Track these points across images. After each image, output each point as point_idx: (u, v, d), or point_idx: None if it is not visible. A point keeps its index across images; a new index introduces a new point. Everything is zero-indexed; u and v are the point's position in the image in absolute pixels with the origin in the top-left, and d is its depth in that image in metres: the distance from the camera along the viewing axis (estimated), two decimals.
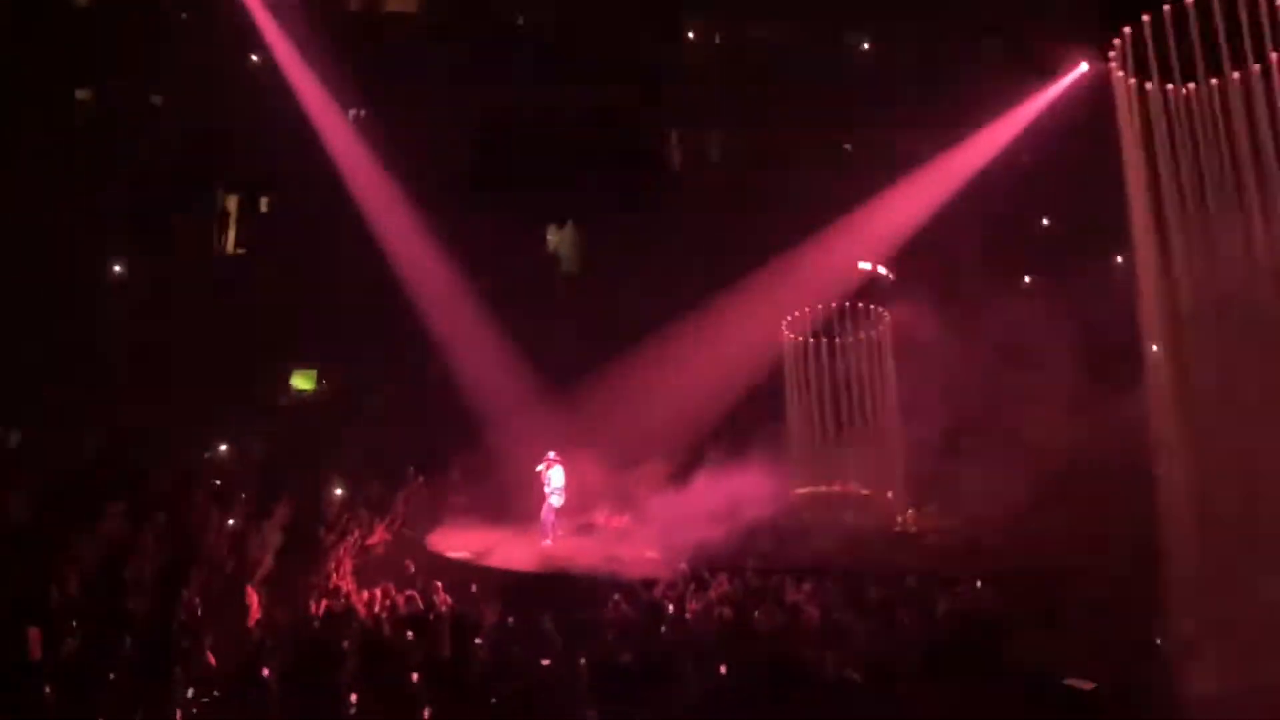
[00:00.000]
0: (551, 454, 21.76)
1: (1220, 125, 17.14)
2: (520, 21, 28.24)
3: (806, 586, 17.95)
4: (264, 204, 27.52)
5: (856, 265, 24.06)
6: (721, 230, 27.21)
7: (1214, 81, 16.78)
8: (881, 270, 24.07)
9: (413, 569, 18.65)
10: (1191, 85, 17.03)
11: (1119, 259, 24.27)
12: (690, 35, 28.86)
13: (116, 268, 23.97)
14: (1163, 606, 15.54)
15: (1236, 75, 16.44)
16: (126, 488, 18.48)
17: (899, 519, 23.19)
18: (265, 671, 12.94)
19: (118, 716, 12.14)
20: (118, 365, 23.04)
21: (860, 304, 25.00)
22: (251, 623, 15.48)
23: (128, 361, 23.22)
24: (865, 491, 23.88)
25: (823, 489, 23.85)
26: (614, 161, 25.00)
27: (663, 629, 16.02)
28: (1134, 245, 19.07)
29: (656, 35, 27.98)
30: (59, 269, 23.02)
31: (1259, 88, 16.59)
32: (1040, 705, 13.35)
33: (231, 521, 18.76)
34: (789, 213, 25.68)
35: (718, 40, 28.92)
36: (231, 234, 27.07)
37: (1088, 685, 13.84)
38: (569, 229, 29.16)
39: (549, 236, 29.35)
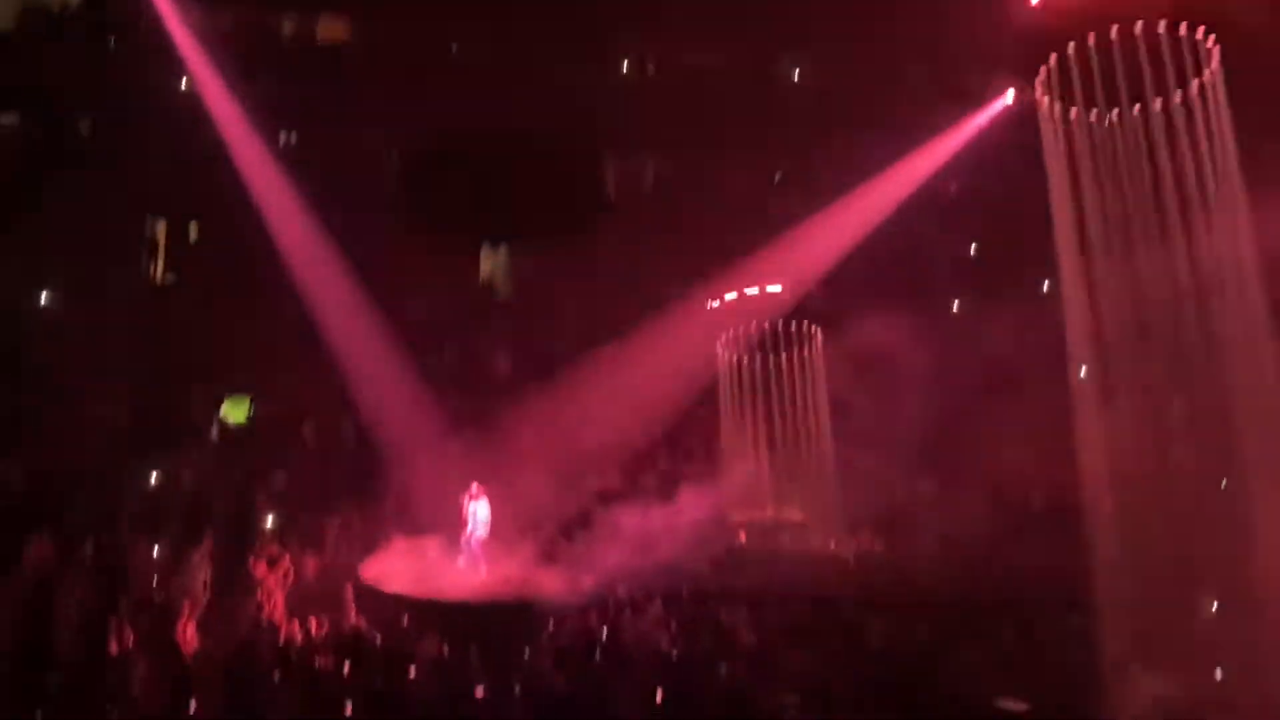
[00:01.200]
0: (475, 486, 21.41)
1: (1144, 151, 17.49)
2: (454, 49, 28.20)
3: (742, 612, 17.96)
4: (193, 231, 27.10)
5: (788, 288, 24.15)
6: (654, 254, 27.27)
7: (1137, 109, 17.14)
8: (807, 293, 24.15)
9: (346, 600, 18.44)
10: (1116, 112, 17.37)
11: (1045, 285, 24.57)
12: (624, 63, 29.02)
13: (43, 297, 23.47)
14: (1095, 628, 15.74)
15: (1159, 102, 16.81)
16: (50, 519, 18.06)
17: (833, 544, 23.25)
18: (194, 706, 12.75)
19: None
20: (42, 394, 22.52)
21: (794, 325, 25.15)
22: (185, 658, 15.22)
23: (53, 390, 22.73)
24: (800, 517, 23.92)
25: (758, 515, 23.85)
26: (547, 186, 24.95)
27: (598, 657, 15.95)
28: (1060, 271, 19.37)
29: (590, 62, 28.06)
30: None
31: (1180, 115, 16.99)
32: None
33: (157, 551, 18.43)
34: (721, 237, 25.80)
35: (650, 69, 29.16)
36: (160, 261, 26.66)
37: (1021, 706, 13.99)
38: (502, 254, 29.11)
39: (482, 261, 29.28)
